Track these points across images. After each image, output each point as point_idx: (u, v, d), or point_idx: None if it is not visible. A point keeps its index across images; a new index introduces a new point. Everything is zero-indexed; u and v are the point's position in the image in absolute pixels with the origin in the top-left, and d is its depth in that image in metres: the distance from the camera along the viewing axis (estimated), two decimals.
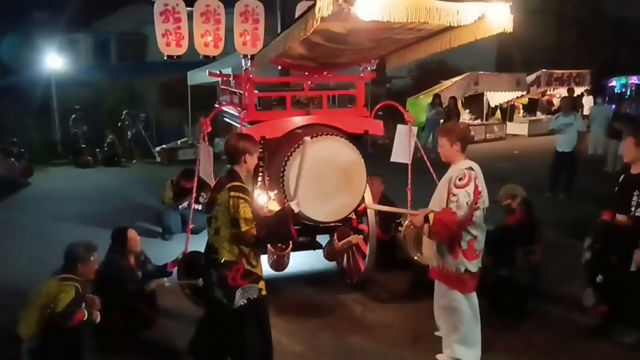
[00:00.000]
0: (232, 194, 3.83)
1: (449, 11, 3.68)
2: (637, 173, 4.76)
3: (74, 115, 15.47)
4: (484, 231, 4.41)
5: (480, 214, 4.32)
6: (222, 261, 3.90)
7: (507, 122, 20.77)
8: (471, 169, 4.27)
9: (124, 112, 15.78)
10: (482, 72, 19.77)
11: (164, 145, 15.60)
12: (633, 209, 4.68)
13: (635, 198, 4.67)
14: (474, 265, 4.37)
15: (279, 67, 6.59)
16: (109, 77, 18.64)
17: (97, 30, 26.93)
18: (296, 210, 4.08)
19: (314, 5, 3.61)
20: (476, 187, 4.22)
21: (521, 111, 21.92)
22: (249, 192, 4.00)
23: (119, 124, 15.73)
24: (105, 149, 15.05)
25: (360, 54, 5.37)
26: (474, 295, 4.50)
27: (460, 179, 4.22)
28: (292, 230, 4.06)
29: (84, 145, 14.99)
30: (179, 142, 15.69)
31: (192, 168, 6.77)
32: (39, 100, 16.56)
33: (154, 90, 18.69)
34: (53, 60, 16.02)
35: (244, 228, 3.79)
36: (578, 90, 21.24)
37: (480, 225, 4.34)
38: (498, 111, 20.87)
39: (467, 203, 4.16)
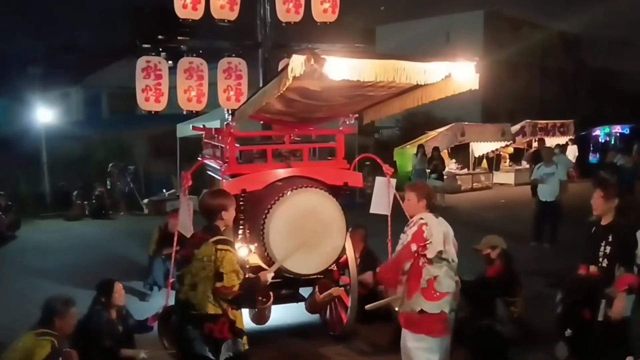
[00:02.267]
0: (220, 247, 3.85)
1: (416, 71, 3.85)
2: (605, 224, 4.84)
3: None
4: (451, 278, 4.49)
5: (439, 259, 4.43)
6: (205, 315, 3.88)
7: (494, 172, 21.05)
8: (422, 219, 4.46)
9: (110, 165, 15.90)
10: (467, 122, 20.19)
11: (152, 197, 15.64)
12: (600, 259, 4.74)
13: (602, 249, 4.74)
14: (432, 307, 4.38)
15: (261, 122, 6.74)
16: (100, 130, 18.85)
17: (88, 84, 27.38)
18: (267, 280, 4.29)
19: (287, 65, 3.79)
20: (419, 232, 4.40)
21: (507, 160, 22.22)
22: (234, 245, 4.07)
23: (107, 177, 15.83)
24: (94, 201, 15.07)
25: (336, 109, 5.54)
26: (436, 341, 4.48)
27: (408, 226, 4.47)
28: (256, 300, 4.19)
29: (73, 197, 15.01)
30: (166, 193, 15.74)
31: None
32: (28, 153, 16.68)
33: (143, 142, 18.89)
34: (43, 114, 16.22)
35: (227, 283, 3.81)
36: (563, 140, 21.62)
37: (442, 269, 4.44)
38: (484, 161, 21.17)
39: (402, 243, 4.42)
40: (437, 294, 4.39)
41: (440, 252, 4.43)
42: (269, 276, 4.35)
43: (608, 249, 4.70)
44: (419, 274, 4.40)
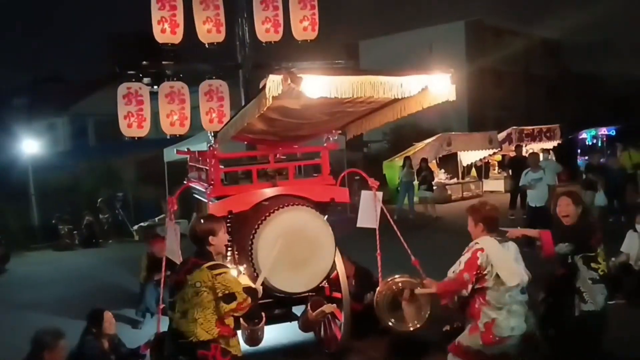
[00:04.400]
0: (216, 272, 3.83)
1: (393, 85, 3.88)
2: (569, 225, 4.91)
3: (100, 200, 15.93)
4: (517, 317, 4.21)
5: (498, 295, 4.18)
6: (196, 342, 3.84)
7: (483, 179, 21.12)
8: (477, 243, 4.28)
9: (99, 200, 15.87)
10: (453, 132, 20.30)
11: (142, 223, 15.56)
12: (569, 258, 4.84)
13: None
14: (489, 349, 4.20)
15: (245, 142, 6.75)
16: (87, 159, 18.80)
17: (74, 114, 27.34)
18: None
19: (265, 85, 3.81)
20: (473, 259, 4.19)
21: (496, 168, 22.30)
22: (229, 267, 4.09)
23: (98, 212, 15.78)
24: (83, 230, 14.97)
25: (318, 126, 5.56)
26: None
27: (465, 251, 4.33)
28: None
29: (62, 227, 14.90)
30: (156, 219, 15.63)
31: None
32: (15, 185, 16.58)
33: (131, 168, 18.83)
34: (29, 145, 16.17)
35: (241, 299, 3.86)
36: (550, 145, 21.75)
37: (501, 308, 4.18)
38: (473, 169, 21.25)
39: (453, 271, 4.29)
40: (497, 338, 4.16)
41: (502, 283, 4.15)
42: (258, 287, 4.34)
43: (572, 247, 4.76)
44: (477, 314, 4.21)
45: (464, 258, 4.26)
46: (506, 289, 4.17)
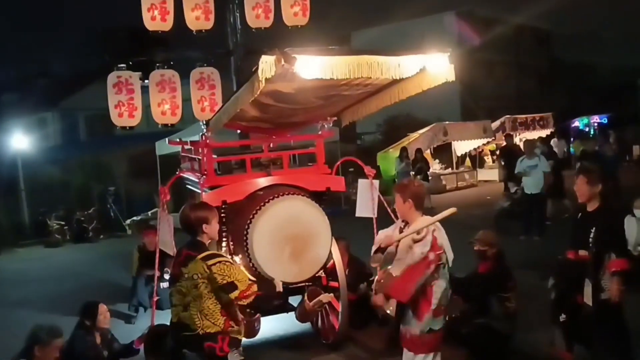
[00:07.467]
0: (210, 262, 3.72)
1: (390, 65, 3.76)
2: (592, 210, 4.80)
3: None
4: (448, 287, 4.28)
5: (446, 272, 4.21)
6: (202, 334, 3.77)
7: (478, 169, 21.07)
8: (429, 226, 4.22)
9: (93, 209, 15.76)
10: (448, 122, 20.21)
11: (135, 217, 15.41)
12: (590, 244, 4.70)
13: (592, 235, 4.70)
14: (438, 323, 4.23)
15: (238, 131, 6.61)
16: (78, 153, 18.63)
17: (65, 108, 27.09)
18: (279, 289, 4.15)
19: (257, 67, 3.66)
20: (435, 240, 4.11)
21: (489, 157, 22.27)
22: (224, 256, 3.95)
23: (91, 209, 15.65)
24: (75, 225, 14.80)
25: (313, 112, 5.44)
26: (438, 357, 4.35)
27: (418, 233, 4.18)
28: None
29: (51, 223, 14.72)
30: (149, 212, 15.50)
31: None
32: (5, 181, 16.39)
33: (123, 162, 18.70)
34: (19, 141, 15.96)
35: (243, 287, 3.72)
36: (543, 133, 21.74)
37: (446, 279, 4.23)
38: (467, 159, 21.19)
39: (422, 253, 4.10)
40: (443, 307, 4.22)
41: (446, 260, 4.22)
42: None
43: (596, 234, 4.66)
44: (430, 292, 4.16)
45: (425, 241, 4.15)
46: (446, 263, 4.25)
